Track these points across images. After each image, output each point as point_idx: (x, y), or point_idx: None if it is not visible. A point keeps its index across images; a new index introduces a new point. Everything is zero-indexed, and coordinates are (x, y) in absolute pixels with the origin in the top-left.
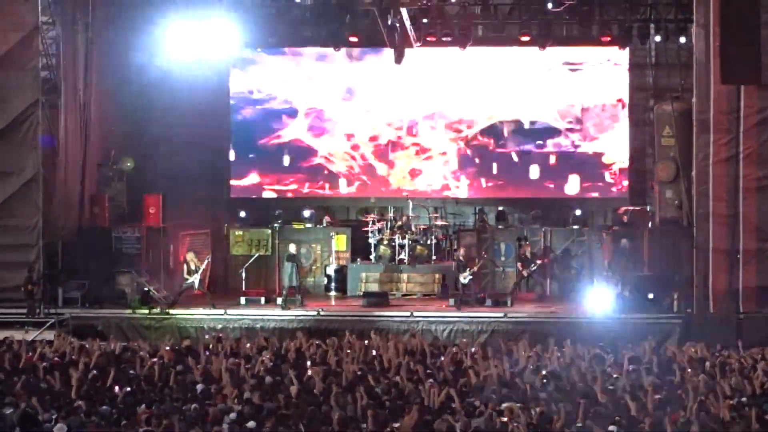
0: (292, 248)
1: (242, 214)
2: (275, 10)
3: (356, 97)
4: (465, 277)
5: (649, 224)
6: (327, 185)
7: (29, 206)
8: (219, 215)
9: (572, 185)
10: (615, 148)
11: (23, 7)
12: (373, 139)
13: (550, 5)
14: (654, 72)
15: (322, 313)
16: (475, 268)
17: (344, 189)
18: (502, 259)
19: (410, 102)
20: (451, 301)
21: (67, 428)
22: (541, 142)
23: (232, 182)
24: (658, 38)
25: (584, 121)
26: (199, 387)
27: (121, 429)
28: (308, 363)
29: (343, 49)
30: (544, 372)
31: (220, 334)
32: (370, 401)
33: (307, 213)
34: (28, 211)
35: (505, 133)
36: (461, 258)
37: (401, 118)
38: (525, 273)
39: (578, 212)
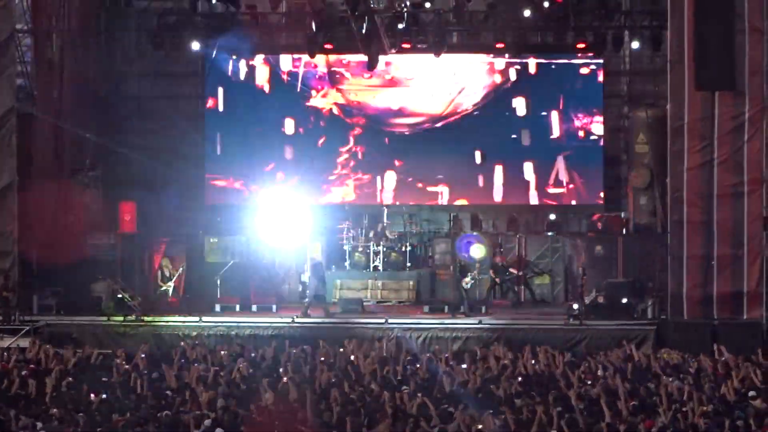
0: (317, 255)
1: (218, 220)
2: (250, 17)
3: (331, 102)
4: (467, 282)
5: (624, 231)
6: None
7: (5, 214)
8: (194, 222)
9: (545, 191)
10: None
11: None
12: (345, 144)
13: (527, 12)
14: (628, 79)
15: (296, 320)
16: (476, 272)
17: (320, 196)
18: (477, 265)
19: (385, 105)
20: (426, 308)
21: None
22: (517, 146)
23: (212, 182)
24: (635, 44)
25: (560, 127)
26: (174, 394)
27: None
28: (282, 370)
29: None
30: (518, 379)
31: (195, 341)
32: (345, 408)
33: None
34: (4, 218)
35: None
36: (464, 264)
37: (376, 124)
38: (498, 280)
39: (552, 217)
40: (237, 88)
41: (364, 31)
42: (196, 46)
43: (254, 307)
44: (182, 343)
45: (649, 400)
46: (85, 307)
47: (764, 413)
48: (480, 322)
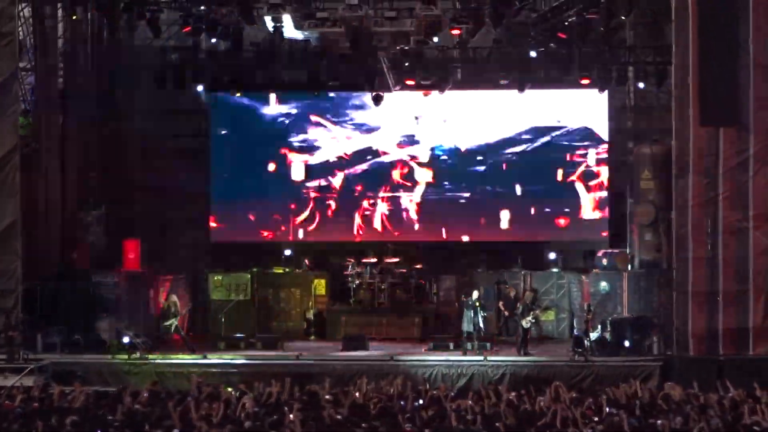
0: (474, 295)
1: (221, 258)
2: (254, 54)
3: (336, 137)
4: (527, 322)
5: (629, 267)
6: (307, 229)
7: (8, 252)
8: (198, 259)
9: (553, 228)
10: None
11: (0, 54)
12: (349, 181)
13: (531, 48)
14: (633, 115)
15: (301, 357)
16: (538, 312)
17: (322, 233)
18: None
19: (389, 144)
20: (431, 345)
21: None
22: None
23: (216, 219)
24: (641, 84)
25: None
26: None
27: None
28: (287, 408)
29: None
30: (523, 415)
31: (199, 379)
32: None
33: (287, 252)
34: (7, 257)
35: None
36: (528, 303)
37: (379, 159)
38: (507, 313)
39: (552, 255)
40: (241, 125)
41: (368, 68)
42: (199, 83)
43: (259, 344)
44: (186, 381)
45: None
46: (89, 345)
47: None
48: (485, 359)
